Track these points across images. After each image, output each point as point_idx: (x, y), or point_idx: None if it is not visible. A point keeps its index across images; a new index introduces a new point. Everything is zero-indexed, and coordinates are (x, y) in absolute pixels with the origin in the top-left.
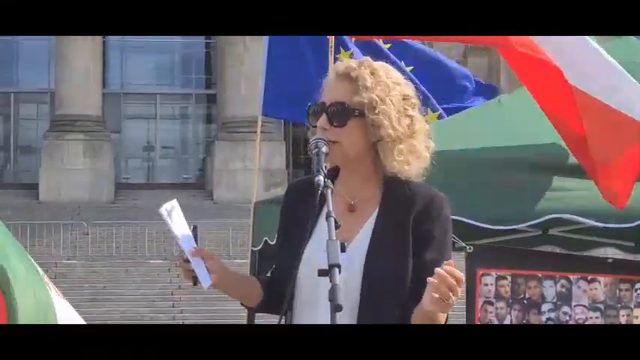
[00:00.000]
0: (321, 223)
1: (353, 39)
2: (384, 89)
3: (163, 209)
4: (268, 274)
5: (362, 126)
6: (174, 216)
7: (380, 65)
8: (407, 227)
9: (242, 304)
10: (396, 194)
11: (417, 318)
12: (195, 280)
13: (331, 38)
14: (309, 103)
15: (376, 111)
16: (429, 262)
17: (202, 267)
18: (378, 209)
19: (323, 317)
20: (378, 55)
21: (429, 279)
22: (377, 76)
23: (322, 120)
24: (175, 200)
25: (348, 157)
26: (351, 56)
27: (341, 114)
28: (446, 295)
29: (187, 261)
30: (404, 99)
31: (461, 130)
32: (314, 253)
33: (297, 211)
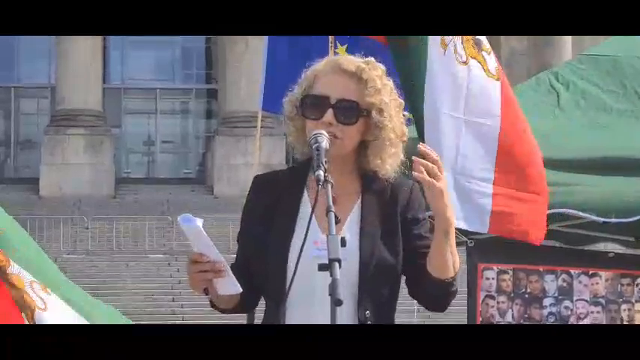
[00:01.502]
0: (316, 216)
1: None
2: (388, 92)
3: (187, 223)
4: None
5: (365, 125)
6: (195, 229)
7: (382, 67)
8: (394, 217)
9: (214, 306)
10: (375, 186)
11: (435, 253)
12: (207, 290)
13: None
14: (305, 95)
15: (384, 114)
16: (428, 239)
17: (232, 274)
18: (359, 201)
19: (319, 312)
20: (371, 51)
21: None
22: (383, 79)
23: (329, 115)
24: (198, 220)
25: (343, 153)
26: (347, 50)
27: (351, 112)
28: (433, 172)
29: (203, 271)
30: (399, 103)
31: None
32: (309, 248)
33: (276, 206)
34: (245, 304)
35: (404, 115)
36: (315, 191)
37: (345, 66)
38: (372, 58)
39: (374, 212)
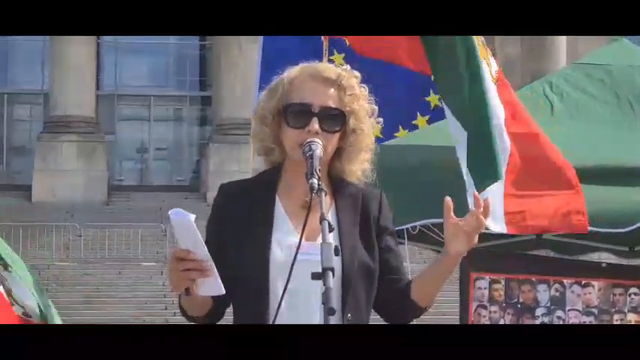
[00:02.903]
0: (294, 222)
1: (347, 42)
2: (365, 98)
3: (179, 216)
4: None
5: (343, 132)
6: (187, 223)
7: (358, 74)
8: (369, 223)
9: (184, 314)
10: (347, 192)
11: (431, 284)
12: (188, 291)
13: (325, 39)
14: (288, 103)
15: (363, 120)
16: (398, 252)
17: (217, 275)
18: (334, 206)
19: (305, 316)
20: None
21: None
22: (359, 86)
23: (314, 124)
24: (191, 214)
25: (324, 160)
26: (344, 59)
27: (336, 120)
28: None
29: (188, 270)
30: (372, 109)
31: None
32: (291, 254)
33: (248, 215)
34: (216, 313)
35: (378, 122)
36: (288, 199)
37: (325, 73)
38: (348, 66)
39: (349, 218)
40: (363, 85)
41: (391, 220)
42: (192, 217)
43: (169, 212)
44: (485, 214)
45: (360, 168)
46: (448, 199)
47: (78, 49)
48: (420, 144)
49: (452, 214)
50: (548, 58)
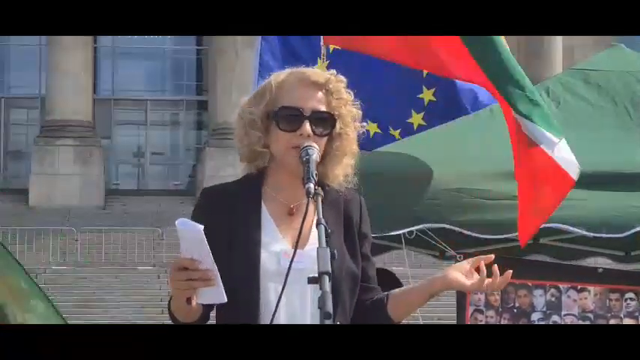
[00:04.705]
0: (281, 229)
1: (331, 48)
2: (351, 103)
3: (188, 226)
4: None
5: (330, 136)
6: (196, 232)
7: (344, 79)
8: (352, 228)
9: (173, 318)
10: (330, 196)
11: (409, 306)
12: (190, 300)
13: (324, 45)
14: (280, 106)
15: (350, 125)
16: (373, 261)
17: (221, 284)
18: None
19: (297, 322)
20: (354, 62)
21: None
22: (346, 91)
23: (307, 128)
24: (199, 225)
25: None
26: (328, 67)
27: (326, 124)
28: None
29: (192, 279)
30: (358, 114)
31: (452, 138)
32: (279, 260)
33: (232, 220)
34: (204, 319)
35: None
36: (274, 205)
37: (314, 77)
38: (335, 71)
39: (333, 222)
40: (349, 90)
41: (369, 226)
42: (201, 227)
43: (177, 222)
44: (500, 285)
45: (342, 173)
46: (495, 267)
47: (75, 53)
48: (418, 148)
49: (482, 266)
50: (544, 64)
